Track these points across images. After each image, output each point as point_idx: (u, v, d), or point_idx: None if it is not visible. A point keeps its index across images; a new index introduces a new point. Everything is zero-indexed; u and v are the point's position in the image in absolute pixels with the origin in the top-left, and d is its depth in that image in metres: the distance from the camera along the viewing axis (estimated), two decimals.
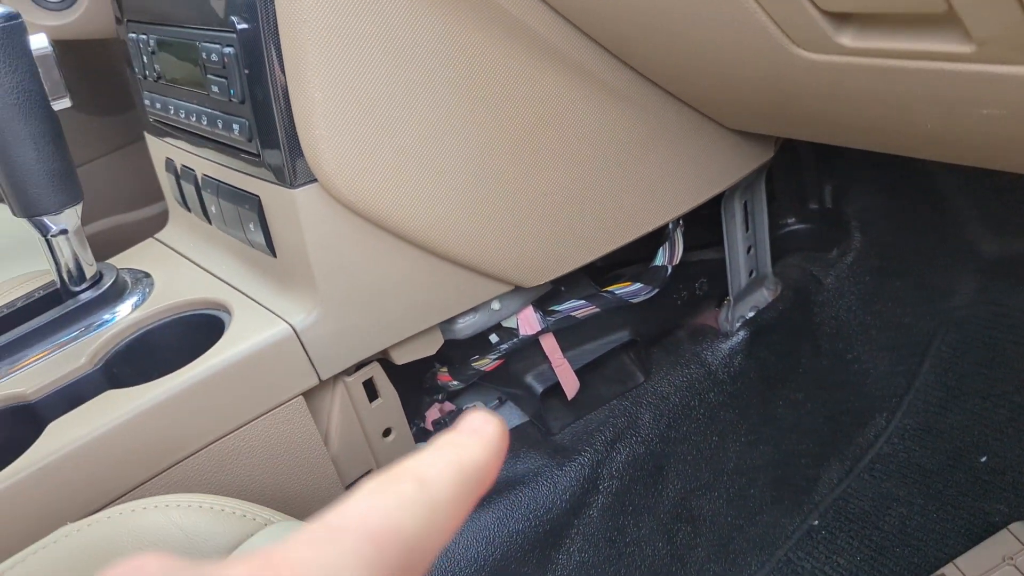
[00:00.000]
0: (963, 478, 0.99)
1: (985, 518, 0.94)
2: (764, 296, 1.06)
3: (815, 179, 1.10)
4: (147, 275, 0.86)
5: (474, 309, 0.82)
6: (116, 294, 0.82)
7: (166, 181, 0.92)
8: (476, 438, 0.23)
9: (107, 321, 0.80)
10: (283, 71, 0.66)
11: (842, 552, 0.97)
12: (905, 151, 0.66)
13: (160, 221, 0.99)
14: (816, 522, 1.01)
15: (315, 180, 0.69)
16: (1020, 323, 1.07)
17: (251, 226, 0.76)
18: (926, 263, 1.12)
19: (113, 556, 0.56)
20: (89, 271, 0.81)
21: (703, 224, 0.99)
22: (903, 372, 1.10)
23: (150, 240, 0.96)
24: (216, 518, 0.59)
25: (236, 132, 0.72)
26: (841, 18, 0.51)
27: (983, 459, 1.00)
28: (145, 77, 0.85)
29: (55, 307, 0.79)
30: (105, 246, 1.03)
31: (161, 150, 0.91)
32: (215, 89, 0.73)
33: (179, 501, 0.60)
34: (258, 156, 0.71)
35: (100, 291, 0.80)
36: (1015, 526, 0.87)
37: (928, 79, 0.51)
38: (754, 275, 1.03)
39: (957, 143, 0.59)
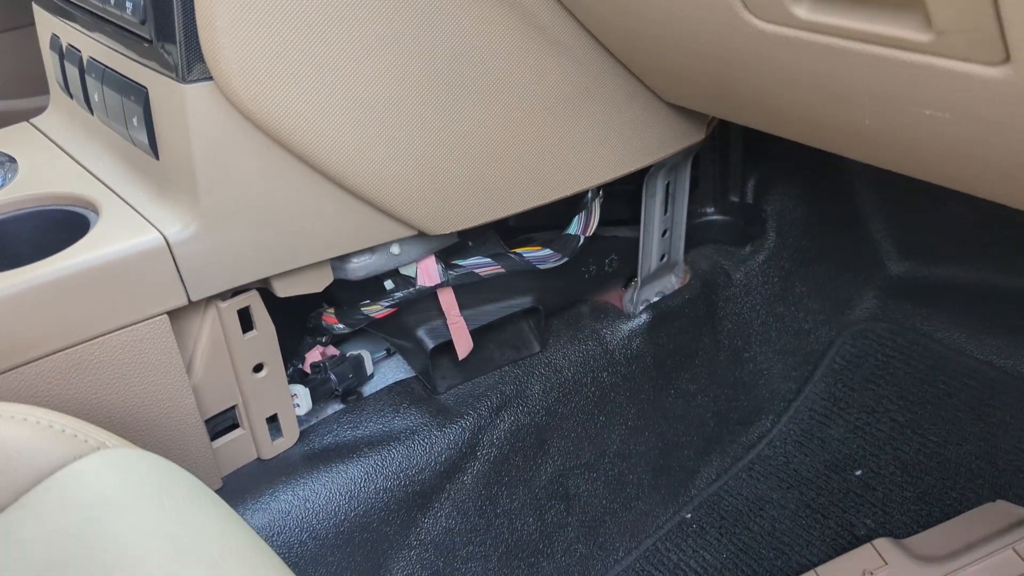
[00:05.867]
0: (836, 489, 1.00)
1: (851, 530, 0.95)
2: (672, 283, 1.04)
3: (740, 172, 1.09)
4: (12, 160, 0.77)
5: (371, 250, 0.77)
6: None
7: (50, 61, 0.83)
8: None
9: None
10: None
11: (710, 548, 0.97)
12: (837, 148, 0.64)
13: None
14: (689, 515, 1.00)
15: (211, 78, 0.62)
16: (913, 344, 1.09)
17: (134, 121, 0.68)
18: (834, 272, 1.13)
19: None
20: None
21: (622, 201, 0.96)
22: (795, 377, 1.10)
23: (24, 124, 0.86)
24: (43, 434, 0.53)
25: (128, 12, 0.64)
26: None
27: (858, 473, 1.01)
28: None
29: None
30: None
31: (48, 25, 0.82)
32: None
33: (1, 411, 0.53)
34: (150, 42, 0.64)
35: None
36: (879, 542, 0.88)
37: (877, 67, 0.48)
38: (665, 260, 1.01)
39: (891, 145, 0.57)
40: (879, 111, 0.53)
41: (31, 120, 0.87)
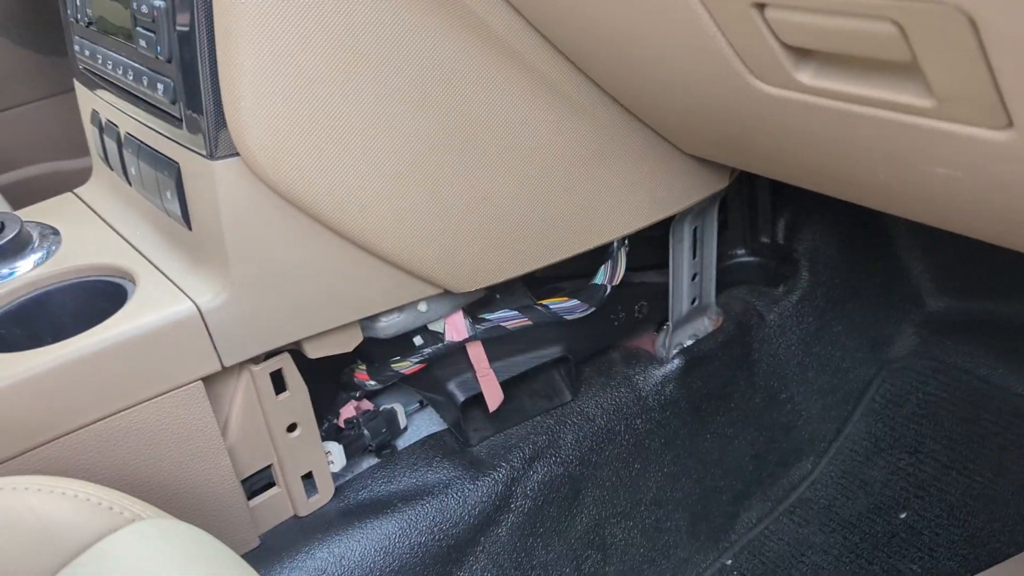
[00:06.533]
0: (881, 532, 0.98)
1: None
2: (704, 326, 1.03)
3: (769, 212, 1.08)
4: (55, 232, 0.80)
5: (399, 308, 0.78)
6: (17, 248, 0.76)
7: (91, 134, 0.87)
8: None
9: (4, 276, 0.75)
10: (213, 32, 0.61)
11: None
12: (857, 199, 0.64)
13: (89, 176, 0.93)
14: (729, 561, 0.99)
15: (237, 154, 0.64)
16: (955, 381, 1.06)
17: (168, 194, 0.71)
18: (871, 310, 1.11)
19: None
20: None
21: (649, 245, 0.96)
22: (834, 418, 1.08)
23: (68, 195, 0.90)
24: (79, 507, 0.55)
25: (160, 92, 0.67)
26: (802, 54, 0.48)
27: (903, 515, 0.98)
28: (77, 20, 0.80)
29: None
30: (29, 195, 0.97)
31: (88, 100, 0.86)
32: (143, 44, 0.68)
33: (40, 484, 0.55)
34: (181, 121, 0.66)
35: None
36: None
37: (884, 129, 0.48)
38: (696, 303, 1.01)
39: (909, 198, 0.57)
40: (892, 169, 0.53)
41: (75, 191, 0.90)
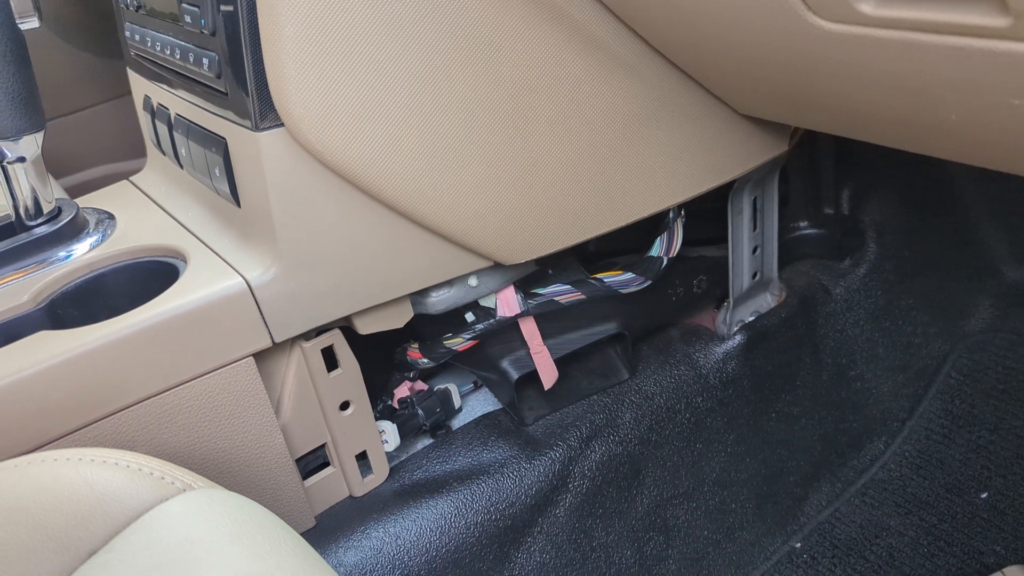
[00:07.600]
0: (960, 513, 0.93)
1: (979, 558, 0.88)
2: (767, 301, 1.00)
3: (832, 183, 1.04)
4: (111, 216, 0.81)
5: (449, 283, 0.77)
6: (73, 232, 0.77)
7: (144, 120, 0.88)
8: None
9: (61, 259, 0.76)
10: (255, 1, 0.60)
11: None
12: (924, 148, 0.60)
13: None
14: (799, 544, 0.95)
15: (282, 124, 0.63)
16: None
17: (217, 171, 0.71)
18: (943, 282, 1.06)
19: (8, 509, 0.51)
20: (46, 206, 0.76)
21: (708, 219, 0.93)
22: (907, 395, 1.04)
23: (124, 182, 0.91)
24: (132, 477, 0.54)
25: (205, 67, 0.67)
26: None
27: (984, 495, 0.93)
28: (127, 7, 0.81)
29: (5, 239, 0.74)
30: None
31: (141, 87, 0.86)
32: (188, 19, 0.68)
33: (94, 455, 0.55)
34: (226, 95, 0.66)
35: (56, 227, 0.76)
36: (1010, 570, 0.81)
37: (955, 59, 0.45)
38: (758, 278, 0.97)
39: (983, 141, 0.53)
40: (964, 105, 0.49)
41: (130, 179, 0.91)
